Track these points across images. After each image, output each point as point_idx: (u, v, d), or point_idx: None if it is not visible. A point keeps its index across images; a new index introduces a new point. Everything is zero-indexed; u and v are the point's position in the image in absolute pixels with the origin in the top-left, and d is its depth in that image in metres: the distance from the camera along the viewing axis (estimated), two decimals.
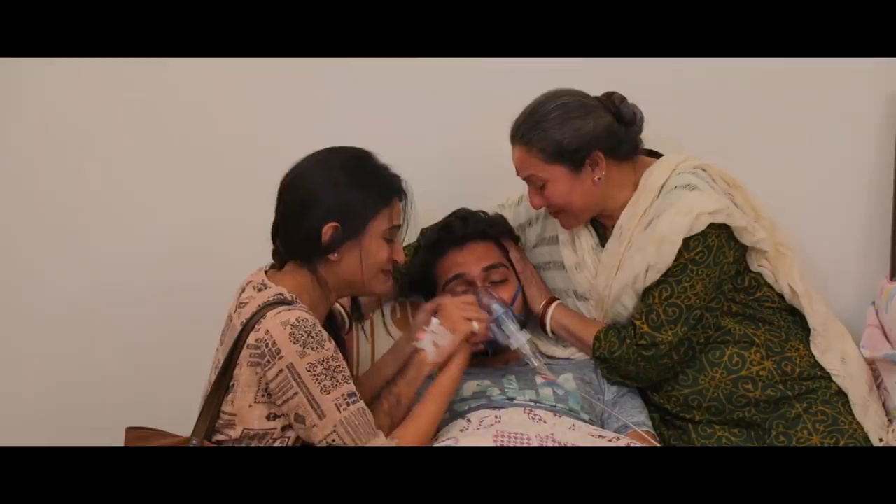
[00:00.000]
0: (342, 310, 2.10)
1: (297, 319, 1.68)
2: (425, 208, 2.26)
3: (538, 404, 1.96)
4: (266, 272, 1.82)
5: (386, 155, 2.39)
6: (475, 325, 1.89)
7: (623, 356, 2.00)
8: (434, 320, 1.90)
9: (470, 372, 2.06)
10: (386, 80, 2.35)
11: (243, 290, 1.80)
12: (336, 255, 1.77)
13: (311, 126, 2.39)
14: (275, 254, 1.84)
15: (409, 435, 1.78)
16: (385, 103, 2.37)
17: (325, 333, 1.71)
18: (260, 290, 1.76)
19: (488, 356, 2.07)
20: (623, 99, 2.03)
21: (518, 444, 1.73)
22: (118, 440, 1.88)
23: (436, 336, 1.88)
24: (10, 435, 2.35)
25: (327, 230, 1.75)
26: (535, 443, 1.73)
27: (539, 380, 2.00)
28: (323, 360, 1.68)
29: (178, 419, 1.83)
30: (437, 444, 1.79)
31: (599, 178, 1.99)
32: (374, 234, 1.79)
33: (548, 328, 2.14)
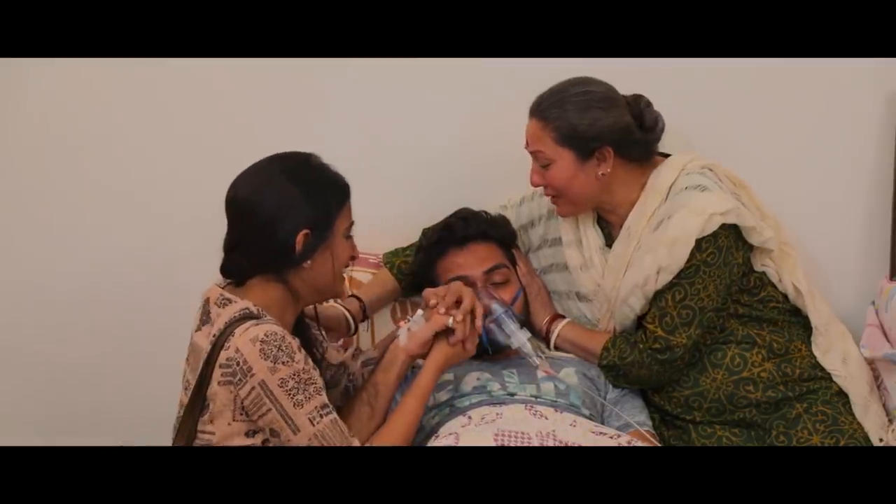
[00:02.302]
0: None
1: (265, 334, 1.67)
2: (426, 208, 2.27)
3: (539, 399, 1.95)
4: (223, 287, 1.79)
5: (387, 155, 2.41)
6: (451, 321, 1.85)
7: (636, 361, 2.00)
8: (419, 311, 1.90)
9: (470, 365, 2.07)
10: (386, 80, 2.35)
11: (203, 308, 1.78)
12: (309, 262, 1.76)
13: (311, 126, 2.39)
14: (227, 270, 1.80)
15: (384, 441, 1.78)
16: (385, 103, 2.37)
17: (294, 345, 1.70)
18: (224, 305, 1.75)
19: (489, 354, 2.06)
20: (649, 104, 2.04)
21: (518, 444, 1.73)
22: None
23: (414, 324, 1.88)
24: (5, 431, 2.36)
25: (300, 239, 1.74)
26: (535, 441, 1.73)
27: (540, 373, 1.99)
28: (294, 374, 1.67)
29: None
30: (438, 443, 1.79)
31: (604, 174, 1.99)
32: (339, 234, 1.79)
33: (552, 344, 2.14)
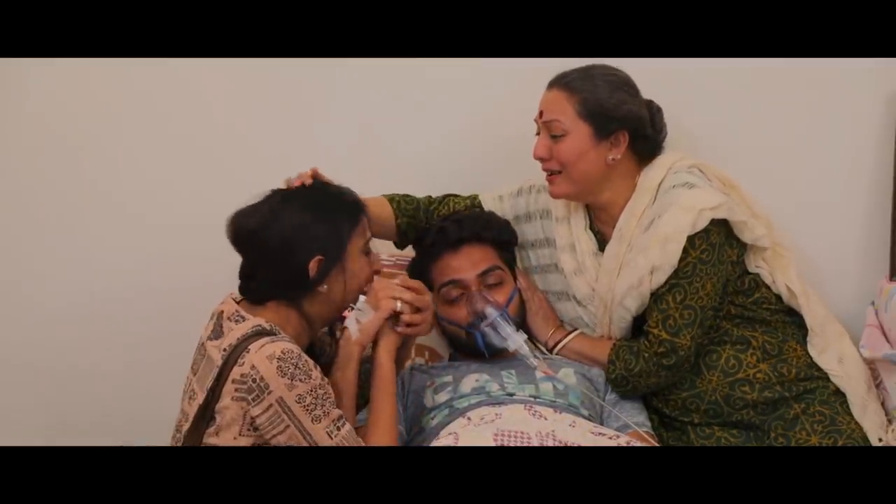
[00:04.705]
0: None
1: (282, 352, 1.66)
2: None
3: (538, 399, 1.95)
4: (238, 302, 1.80)
5: (386, 153, 2.41)
6: (398, 305, 1.84)
7: (643, 371, 1.99)
8: (361, 297, 1.86)
9: (469, 366, 2.07)
10: (386, 80, 2.35)
11: (216, 320, 1.78)
12: (325, 286, 1.77)
13: (311, 126, 2.39)
14: (245, 293, 1.81)
15: (377, 442, 1.78)
16: (385, 103, 2.38)
17: (310, 362, 1.70)
18: (237, 321, 1.75)
19: (487, 358, 2.06)
20: (660, 110, 2.06)
21: (518, 443, 1.73)
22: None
23: (360, 313, 1.84)
24: (5, 431, 2.35)
25: (314, 264, 1.75)
26: (535, 441, 1.73)
27: (539, 373, 1.99)
28: (311, 390, 1.68)
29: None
30: (437, 443, 1.79)
31: (613, 160, 1.99)
32: (354, 253, 1.80)
33: (554, 353, 2.14)
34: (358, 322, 1.84)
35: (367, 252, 1.83)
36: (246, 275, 1.81)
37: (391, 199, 2.19)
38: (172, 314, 2.40)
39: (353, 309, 1.86)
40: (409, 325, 1.87)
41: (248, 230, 1.78)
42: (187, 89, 2.39)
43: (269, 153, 2.37)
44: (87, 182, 2.42)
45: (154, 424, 1.99)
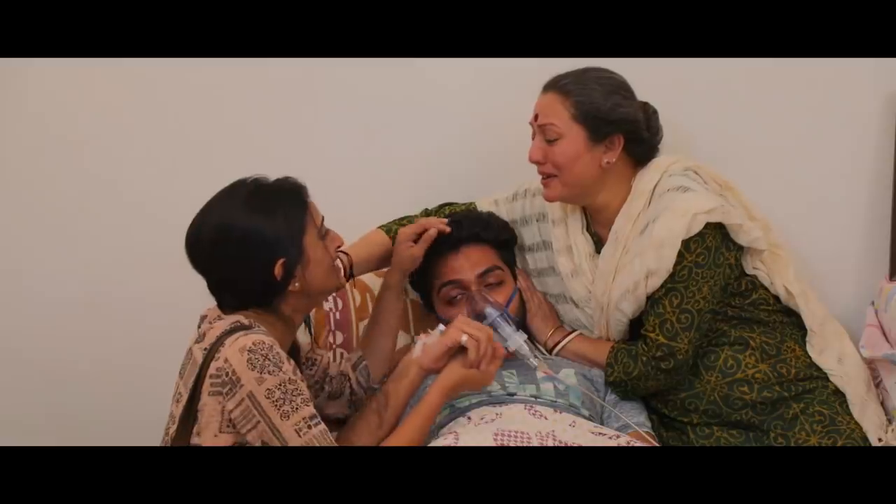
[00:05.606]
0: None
1: (253, 343, 1.65)
2: (424, 207, 2.27)
3: (539, 399, 1.95)
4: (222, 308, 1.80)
5: (386, 153, 2.40)
6: (464, 338, 1.82)
7: (641, 374, 1.99)
8: (440, 326, 1.87)
9: None
10: (386, 80, 2.35)
11: (200, 325, 1.78)
12: (296, 283, 1.76)
13: (311, 126, 2.39)
14: (223, 307, 1.80)
15: None
16: (385, 103, 2.38)
17: (282, 354, 1.68)
18: (218, 321, 1.75)
19: None
20: (656, 112, 2.06)
21: (518, 443, 1.73)
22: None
23: (430, 336, 1.86)
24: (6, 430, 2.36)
25: (279, 269, 1.73)
26: (535, 441, 1.74)
27: (540, 374, 1.99)
28: (280, 384, 1.66)
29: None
30: (437, 442, 1.79)
31: (608, 163, 1.99)
32: (311, 242, 1.77)
33: (553, 353, 2.13)
34: (424, 345, 1.85)
35: (323, 235, 1.81)
36: (215, 291, 1.79)
37: (388, 230, 2.19)
38: (172, 314, 2.40)
39: (429, 333, 1.87)
40: (472, 364, 1.82)
41: (205, 253, 1.75)
42: (187, 89, 2.39)
43: (269, 153, 2.38)
44: (88, 182, 2.42)
45: (154, 425, 1.98)
